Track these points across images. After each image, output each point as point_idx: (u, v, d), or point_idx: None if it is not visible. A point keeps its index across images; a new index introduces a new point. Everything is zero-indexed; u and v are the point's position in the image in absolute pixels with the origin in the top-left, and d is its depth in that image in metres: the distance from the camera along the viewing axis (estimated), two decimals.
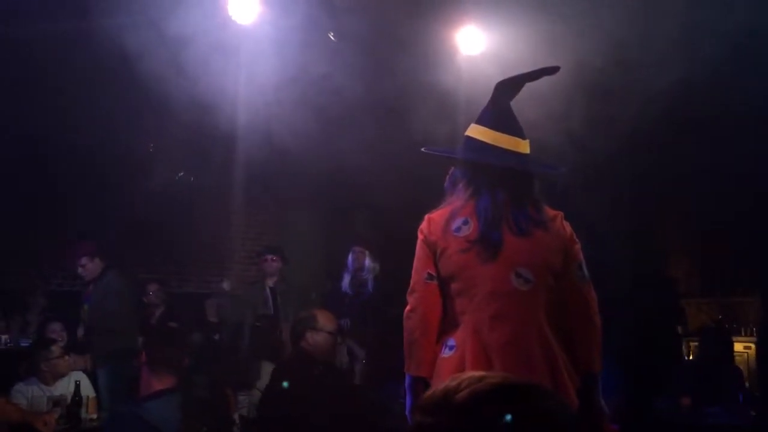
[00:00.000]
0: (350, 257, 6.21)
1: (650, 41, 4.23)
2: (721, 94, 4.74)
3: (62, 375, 4.48)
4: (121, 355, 5.17)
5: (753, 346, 6.82)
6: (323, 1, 4.66)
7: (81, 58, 4.79)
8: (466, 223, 2.43)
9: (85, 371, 4.90)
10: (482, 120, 2.56)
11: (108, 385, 5.27)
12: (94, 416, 4.33)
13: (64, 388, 4.41)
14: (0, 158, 6.60)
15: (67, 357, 4.59)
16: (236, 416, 5.42)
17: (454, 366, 2.34)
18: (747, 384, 5.73)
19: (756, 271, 6.70)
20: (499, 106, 2.56)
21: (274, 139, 5.44)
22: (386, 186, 6.46)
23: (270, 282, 6.02)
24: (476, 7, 4.94)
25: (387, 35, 4.96)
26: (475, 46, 5.20)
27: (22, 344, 6.08)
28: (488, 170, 2.50)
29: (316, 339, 3.99)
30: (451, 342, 2.41)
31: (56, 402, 4.21)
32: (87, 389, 4.49)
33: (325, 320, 4.05)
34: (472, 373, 1.02)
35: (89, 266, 5.65)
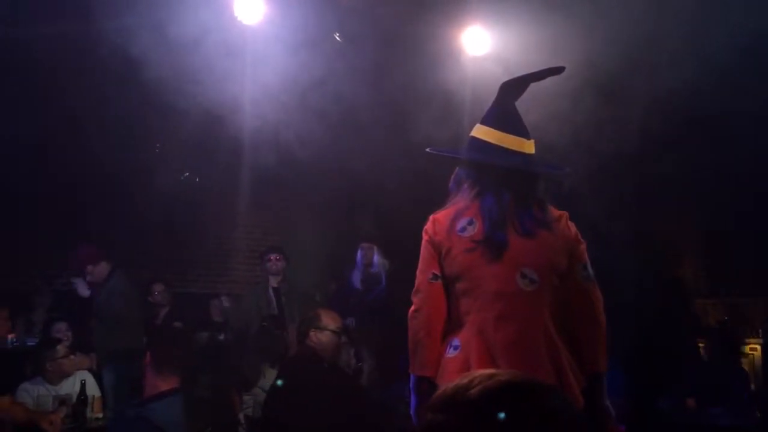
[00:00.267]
0: (359, 253, 6.20)
1: (657, 41, 4.23)
2: (729, 95, 4.73)
3: (68, 374, 4.49)
4: (126, 354, 5.18)
5: (759, 347, 6.80)
6: (328, 2, 4.67)
7: (86, 60, 4.81)
8: (471, 223, 2.44)
9: (90, 371, 4.91)
10: (487, 120, 2.56)
11: (113, 385, 5.28)
12: (100, 415, 4.34)
13: (69, 387, 4.42)
14: (6, 159, 6.62)
15: (72, 356, 4.60)
16: (241, 416, 5.42)
17: (458, 366, 2.34)
18: (752, 385, 5.71)
19: (762, 272, 6.69)
20: (504, 106, 2.57)
21: (279, 139, 5.44)
22: (391, 186, 6.46)
23: (274, 282, 6.01)
24: (481, 7, 4.94)
25: (392, 36, 4.96)
26: (480, 47, 5.20)
27: (28, 344, 6.10)
28: (493, 171, 2.50)
29: (320, 338, 4.02)
30: (456, 342, 2.41)
31: (62, 401, 4.22)
32: (92, 389, 4.50)
33: (328, 319, 4.08)
34: (482, 371, 1.03)
35: (96, 271, 5.66)
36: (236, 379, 5.69)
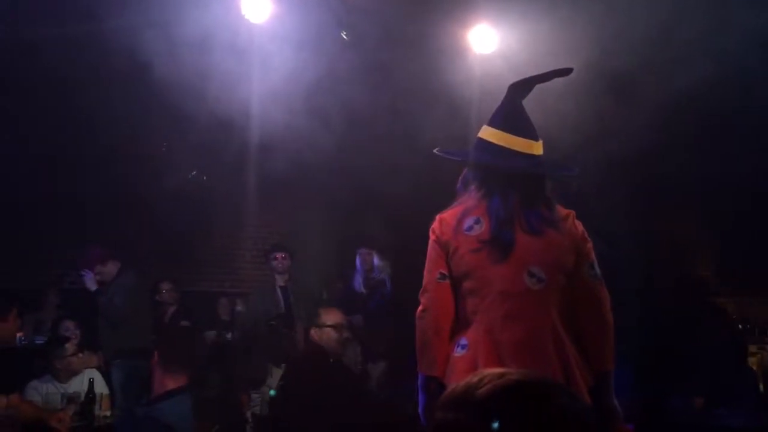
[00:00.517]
0: (358, 259, 6.25)
1: (666, 39, 4.21)
2: (742, 93, 4.72)
3: (76, 372, 4.51)
4: (134, 352, 5.19)
5: (767, 347, 6.77)
6: (335, 1, 4.67)
7: (94, 60, 4.82)
8: (477, 222, 2.44)
9: (98, 369, 4.93)
10: (494, 122, 2.55)
11: (121, 383, 5.30)
12: (108, 413, 4.35)
13: (78, 385, 4.44)
14: (15, 159, 6.65)
15: (80, 354, 4.62)
16: (249, 414, 5.44)
17: (466, 365, 2.34)
18: (761, 385, 5.69)
19: None
20: (512, 107, 2.56)
21: (286, 138, 5.45)
22: (398, 185, 6.46)
23: (281, 281, 6.00)
24: (488, 5, 4.93)
25: (399, 35, 4.96)
26: (487, 45, 5.19)
27: (37, 342, 6.12)
28: (500, 172, 2.49)
29: (320, 335, 4.13)
30: (464, 341, 2.41)
31: (70, 399, 4.23)
32: (101, 386, 4.51)
33: (327, 316, 4.19)
34: (492, 370, 1.03)
35: (105, 271, 5.69)
36: (244, 378, 5.71)
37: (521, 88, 2.59)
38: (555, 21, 4.34)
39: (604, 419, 2.42)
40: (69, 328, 5.69)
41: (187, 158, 7.27)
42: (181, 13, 4.38)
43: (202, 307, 7.34)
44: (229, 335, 6.56)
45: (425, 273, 2.50)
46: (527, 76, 2.60)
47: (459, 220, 2.46)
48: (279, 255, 6.03)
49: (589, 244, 2.50)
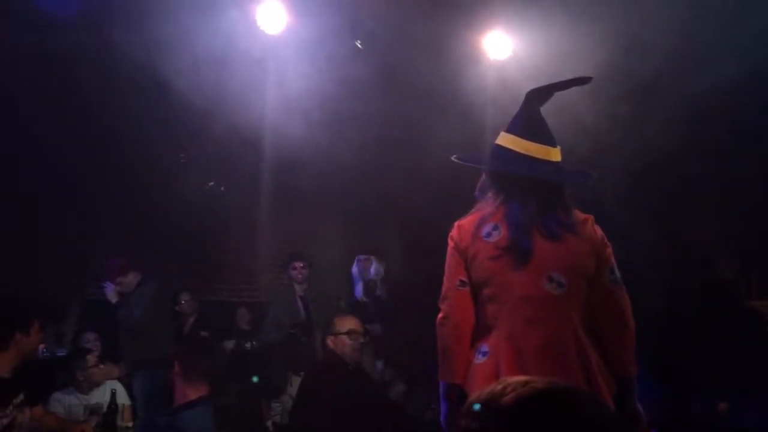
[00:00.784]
0: (355, 267, 6.26)
1: (684, 41, 4.19)
2: (764, 94, 4.68)
3: (98, 384, 4.54)
4: (155, 363, 5.22)
5: None
6: (350, 10, 4.68)
7: (115, 71, 4.86)
8: (496, 228, 2.43)
9: (120, 380, 4.96)
10: (512, 128, 2.55)
11: (143, 393, 5.33)
12: (130, 424, 4.38)
13: (100, 396, 4.47)
14: (37, 171, 6.72)
15: (101, 366, 4.65)
16: (269, 423, 5.45)
17: (487, 372, 2.34)
18: None
19: None
20: (529, 114, 2.56)
21: (302, 148, 5.47)
22: (415, 192, 6.46)
23: (300, 290, 6.01)
24: (503, 11, 4.93)
25: (413, 42, 4.96)
26: (501, 51, 5.19)
27: (58, 354, 6.17)
28: (518, 179, 2.49)
29: (336, 342, 4.16)
30: (485, 348, 2.41)
31: (93, 410, 4.27)
32: (122, 397, 4.54)
33: (341, 323, 4.21)
34: (517, 378, 1.02)
35: (126, 282, 5.73)
36: (264, 387, 5.72)
37: (539, 95, 2.59)
38: (569, 26, 4.33)
39: (627, 424, 2.41)
40: (90, 339, 5.74)
41: (204, 169, 7.31)
42: (198, 25, 4.42)
43: (220, 316, 7.36)
44: (248, 345, 6.57)
45: (444, 280, 2.50)
46: (545, 84, 2.60)
47: (477, 226, 2.46)
48: (298, 264, 6.04)
49: (609, 249, 2.49)
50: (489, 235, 2.43)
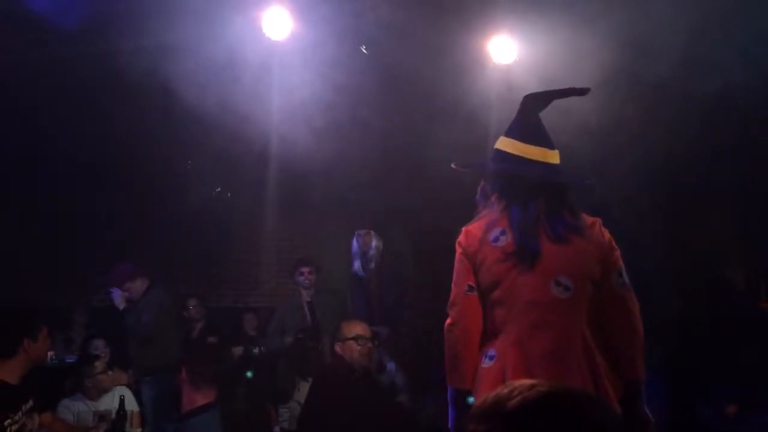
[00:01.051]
0: (355, 241, 6.24)
1: (690, 44, 4.19)
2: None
3: (106, 390, 4.55)
4: (163, 369, 5.23)
5: None
6: (355, 15, 4.70)
7: (118, 77, 4.88)
8: (503, 233, 2.45)
9: (128, 386, 4.97)
10: (511, 132, 2.58)
11: (151, 399, 5.34)
12: (139, 430, 4.40)
13: (108, 403, 4.48)
14: (45, 178, 6.76)
15: (110, 372, 4.67)
16: (277, 429, 5.44)
17: (494, 376, 2.34)
18: None
19: None
20: (527, 118, 2.58)
21: (308, 153, 5.48)
22: (420, 197, 6.47)
23: (306, 296, 6.01)
24: (507, 16, 4.94)
25: (418, 47, 4.98)
26: (506, 55, 5.19)
27: (67, 361, 6.19)
28: (519, 182, 2.51)
29: (343, 348, 4.14)
30: (492, 352, 2.41)
31: (101, 417, 4.28)
32: (131, 404, 4.55)
33: (347, 329, 4.20)
34: (523, 382, 1.03)
35: (134, 287, 5.73)
36: (271, 393, 5.72)
37: (537, 100, 2.61)
38: (574, 31, 4.33)
39: (635, 428, 2.41)
40: (99, 346, 5.76)
41: (211, 174, 7.34)
42: (203, 32, 4.44)
43: (227, 322, 7.37)
44: (256, 350, 6.58)
45: (453, 286, 2.51)
46: (544, 90, 2.62)
47: (485, 231, 2.47)
48: (305, 269, 6.03)
49: (617, 252, 2.50)
50: (497, 239, 2.44)
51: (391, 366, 5.36)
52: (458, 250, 2.52)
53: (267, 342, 6.12)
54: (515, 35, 5.11)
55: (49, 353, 6.15)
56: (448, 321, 2.49)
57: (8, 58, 4.75)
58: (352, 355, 4.11)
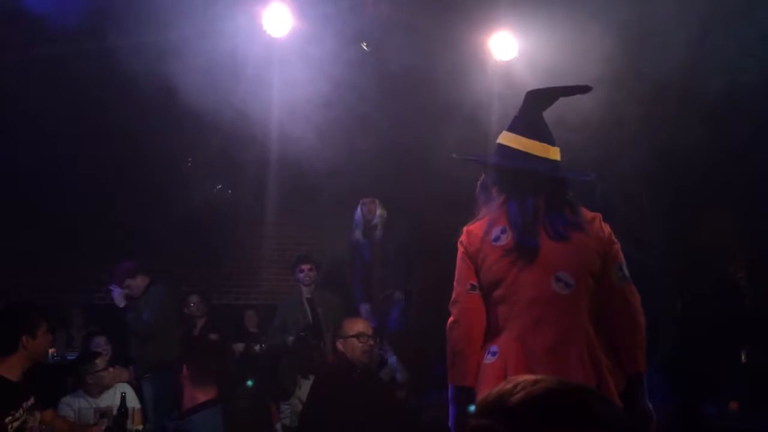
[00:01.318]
0: (359, 210, 6.25)
1: (693, 41, 4.18)
2: None
3: (107, 387, 4.55)
4: (164, 366, 5.23)
5: None
6: (356, 12, 4.69)
7: (118, 75, 4.88)
8: (504, 231, 2.47)
9: (129, 383, 4.97)
10: (513, 127, 2.60)
11: (152, 396, 5.34)
12: (140, 427, 4.39)
13: (109, 399, 4.48)
14: (45, 176, 6.76)
15: (111, 369, 4.67)
16: (279, 426, 5.44)
17: (496, 372, 2.35)
18: None
19: None
20: (530, 114, 2.60)
21: (308, 150, 5.47)
22: (422, 193, 6.46)
23: (307, 293, 6.01)
24: (509, 13, 4.93)
25: (419, 44, 4.97)
26: (508, 52, 5.18)
27: (68, 358, 6.20)
28: (518, 176, 2.53)
29: (345, 345, 4.16)
30: (494, 348, 2.43)
31: (103, 414, 4.28)
32: (132, 401, 4.55)
33: (349, 326, 4.22)
34: (526, 377, 1.02)
35: (134, 284, 5.72)
36: (273, 390, 5.72)
37: (540, 96, 2.63)
38: (575, 27, 4.33)
39: (637, 421, 2.42)
40: (100, 344, 5.77)
41: (212, 172, 7.34)
42: (204, 29, 4.43)
43: (229, 319, 7.38)
44: (257, 347, 6.58)
45: (455, 285, 2.53)
46: (547, 87, 2.65)
47: (486, 231, 2.50)
48: (305, 267, 6.03)
49: (617, 246, 2.51)
50: (497, 239, 2.46)
51: (392, 360, 5.35)
52: (460, 249, 2.54)
53: (269, 340, 6.12)
54: (516, 32, 5.10)
55: (51, 351, 6.16)
56: (450, 319, 2.50)
57: (8, 56, 4.74)
58: (354, 353, 4.13)
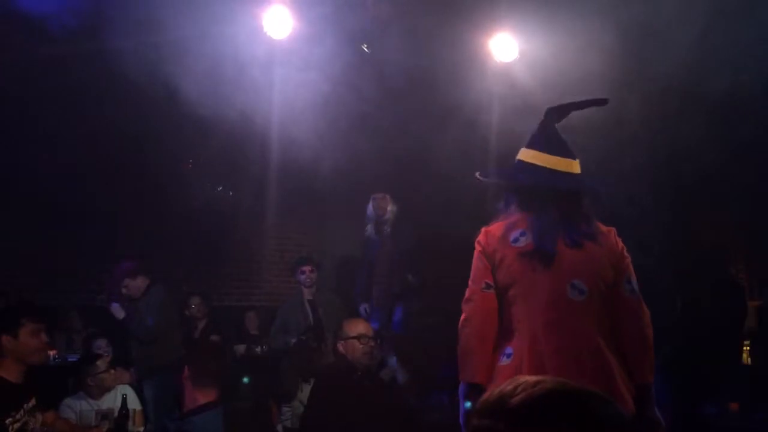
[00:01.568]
0: (370, 205, 6.24)
1: (694, 43, 4.18)
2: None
3: (108, 389, 4.55)
4: (165, 367, 5.23)
5: None
6: (356, 14, 4.70)
7: (119, 77, 4.89)
8: (523, 234, 2.53)
9: (130, 385, 4.97)
10: (534, 144, 2.66)
11: (153, 398, 5.34)
12: (141, 429, 4.39)
13: (111, 401, 4.48)
14: (45, 177, 6.76)
15: (112, 371, 4.66)
16: (279, 427, 5.45)
17: (510, 374, 2.38)
18: None
19: None
20: (549, 130, 2.67)
21: (309, 152, 5.48)
22: (421, 194, 6.46)
23: (308, 294, 6.00)
24: (509, 14, 4.93)
25: (420, 45, 4.97)
26: (508, 53, 5.19)
27: (69, 360, 6.20)
28: (541, 191, 2.59)
29: (346, 347, 4.12)
30: (509, 350, 2.49)
31: (104, 415, 4.27)
32: (133, 402, 4.55)
33: (349, 327, 4.19)
34: (527, 378, 1.03)
35: (132, 285, 5.71)
36: (274, 391, 5.72)
37: (557, 112, 2.71)
38: (576, 28, 4.33)
39: (646, 430, 2.47)
40: (101, 346, 5.76)
41: (212, 173, 7.34)
42: (205, 30, 4.44)
43: (229, 321, 7.38)
44: (258, 349, 6.58)
45: (470, 283, 2.58)
46: (565, 103, 2.71)
47: (505, 232, 2.56)
48: (306, 268, 6.02)
49: (628, 260, 2.60)
50: (516, 240, 2.53)
51: (392, 361, 5.35)
52: (477, 248, 2.59)
53: (271, 341, 6.12)
54: (516, 33, 5.10)
55: (52, 353, 6.16)
56: (463, 317, 2.55)
57: (8, 57, 4.75)
58: (355, 354, 4.09)
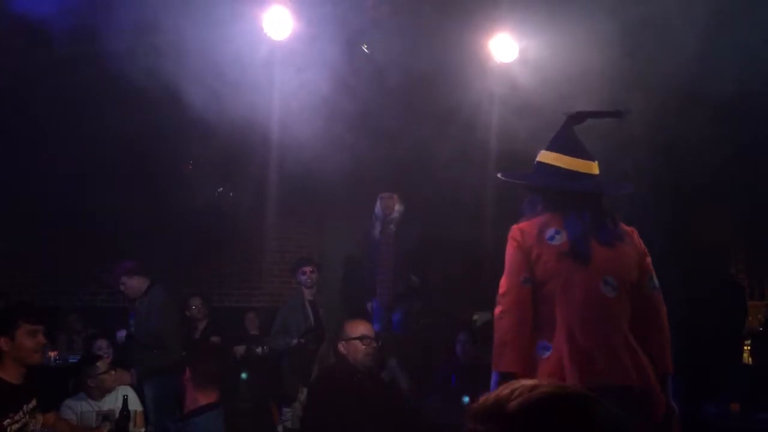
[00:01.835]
0: (378, 204, 6.20)
1: (694, 44, 4.18)
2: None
3: (109, 390, 4.55)
4: (166, 369, 5.23)
5: None
6: (356, 14, 4.69)
7: (119, 79, 4.89)
8: (558, 233, 2.64)
9: (131, 386, 4.97)
10: (554, 147, 2.76)
11: (154, 399, 5.34)
12: (142, 430, 4.39)
13: (111, 402, 4.47)
14: (47, 179, 6.77)
15: (113, 372, 4.66)
16: (280, 428, 5.45)
17: (551, 367, 2.53)
18: None
19: None
20: (569, 133, 2.79)
21: (309, 152, 5.47)
22: (422, 195, 6.46)
23: (309, 295, 5.99)
24: (509, 15, 4.93)
25: (420, 45, 4.97)
26: (508, 54, 5.18)
27: (70, 361, 6.20)
28: (567, 193, 2.70)
29: (347, 348, 4.08)
30: (546, 344, 2.60)
31: (105, 416, 4.26)
32: (134, 403, 4.55)
33: (351, 328, 4.14)
34: (525, 382, 1.02)
35: (129, 284, 5.71)
36: (275, 392, 5.72)
37: (575, 118, 2.81)
38: (576, 29, 4.32)
39: (668, 418, 2.66)
40: (102, 347, 5.76)
41: (213, 174, 7.33)
42: (205, 31, 4.44)
43: (229, 322, 7.38)
44: (259, 350, 6.58)
45: (506, 277, 2.66)
46: (584, 111, 2.83)
47: (540, 230, 2.65)
48: (307, 269, 6.01)
49: (649, 258, 2.74)
50: (552, 238, 2.63)
51: (392, 362, 5.34)
52: (512, 244, 2.67)
53: (271, 342, 6.11)
54: (516, 33, 5.10)
55: (53, 354, 6.17)
56: (499, 309, 2.64)
57: (9, 59, 4.75)
58: (356, 355, 4.04)
